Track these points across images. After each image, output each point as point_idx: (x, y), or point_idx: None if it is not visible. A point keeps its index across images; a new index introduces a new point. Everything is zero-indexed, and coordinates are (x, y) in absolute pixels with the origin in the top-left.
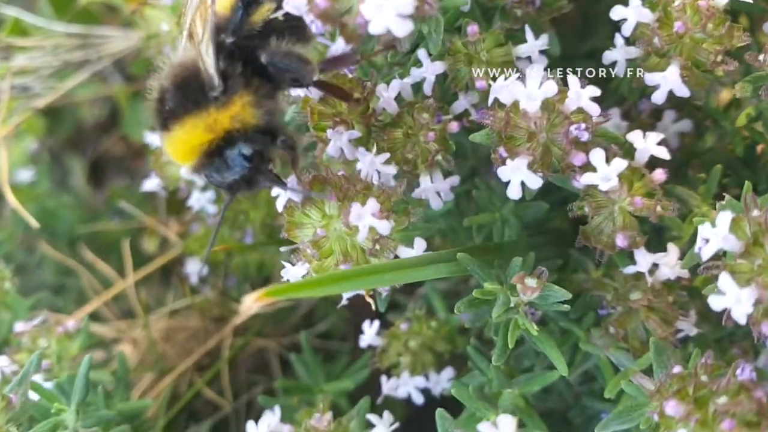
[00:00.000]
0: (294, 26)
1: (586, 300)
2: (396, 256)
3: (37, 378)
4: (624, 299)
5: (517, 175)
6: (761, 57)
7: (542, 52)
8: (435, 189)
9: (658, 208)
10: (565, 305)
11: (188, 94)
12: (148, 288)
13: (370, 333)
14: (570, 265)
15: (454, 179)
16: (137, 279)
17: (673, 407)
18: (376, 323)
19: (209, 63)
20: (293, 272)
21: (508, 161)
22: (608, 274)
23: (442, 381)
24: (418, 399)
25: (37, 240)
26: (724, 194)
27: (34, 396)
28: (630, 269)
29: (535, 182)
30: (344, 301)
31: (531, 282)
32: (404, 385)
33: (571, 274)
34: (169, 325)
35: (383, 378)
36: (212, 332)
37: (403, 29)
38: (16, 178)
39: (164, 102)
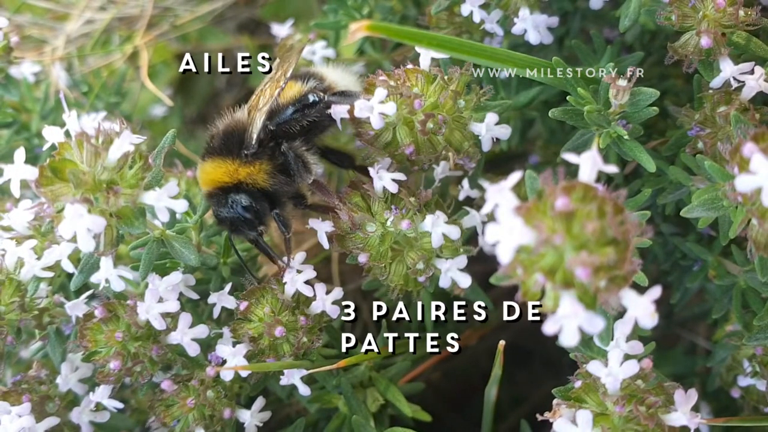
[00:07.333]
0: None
1: (679, 138)
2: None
3: None
4: (712, 120)
5: None
6: None
7: None
8: (533, 22)
9: (741, 13)
10: (653, 107)
11: (229, 142)
12: None
13: (466, 187)
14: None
15: (554, 19)
16: None
17: (749, 148)
18: (466, 182)
19: (255, 129)
20: None
21: None
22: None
23: None
24: None
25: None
26: None
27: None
28: (716, 80)
29: None
30: None
31: (622, 82)
32: None
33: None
34: None
35: None
36: None
37: None
38: (150, 113)
39: (212, 140)
